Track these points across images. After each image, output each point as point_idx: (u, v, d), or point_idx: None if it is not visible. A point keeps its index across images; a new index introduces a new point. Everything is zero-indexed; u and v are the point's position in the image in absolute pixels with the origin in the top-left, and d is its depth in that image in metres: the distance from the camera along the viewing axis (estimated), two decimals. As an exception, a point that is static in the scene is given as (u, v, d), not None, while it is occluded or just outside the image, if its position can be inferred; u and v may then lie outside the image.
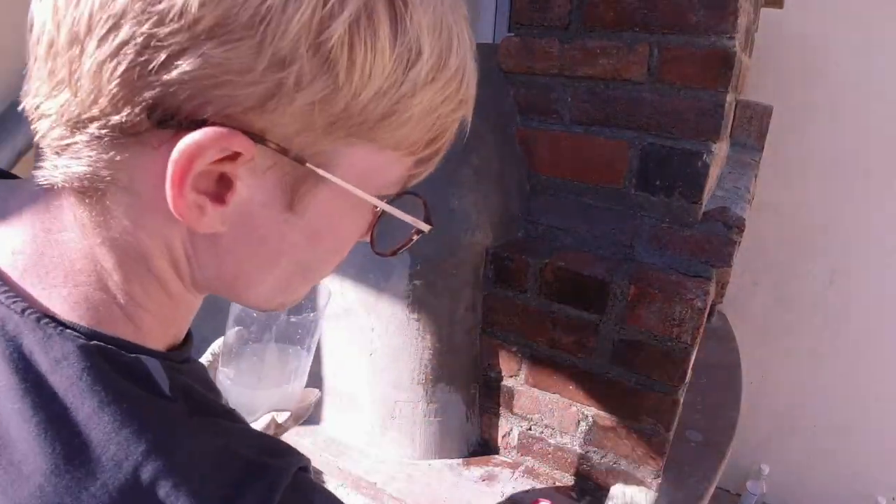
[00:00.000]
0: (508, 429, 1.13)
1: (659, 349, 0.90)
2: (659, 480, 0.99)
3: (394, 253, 0.45)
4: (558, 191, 1.06)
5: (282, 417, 0.68)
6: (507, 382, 1.10)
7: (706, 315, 0.89)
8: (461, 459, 1.15)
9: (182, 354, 0.38)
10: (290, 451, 0.34)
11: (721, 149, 1.02)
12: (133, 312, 0.32)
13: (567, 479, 1.08)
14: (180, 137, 0.27)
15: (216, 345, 0.70)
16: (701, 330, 0.88)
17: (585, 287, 0.94)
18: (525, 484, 1.08)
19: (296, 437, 1.21)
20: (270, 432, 0.68)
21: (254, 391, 0.68)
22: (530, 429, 1.10)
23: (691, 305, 0.85)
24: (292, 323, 0.66)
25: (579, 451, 1.05)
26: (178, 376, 0.32)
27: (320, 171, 0.31)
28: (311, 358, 0.71)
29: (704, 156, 0.90)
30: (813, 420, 2.09)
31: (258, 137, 0.28)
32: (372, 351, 1.07)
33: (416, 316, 1.02)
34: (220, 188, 0.30)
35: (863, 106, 1.75)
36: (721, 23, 0.84)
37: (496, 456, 1.16)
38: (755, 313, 2.07)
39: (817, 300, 1.97)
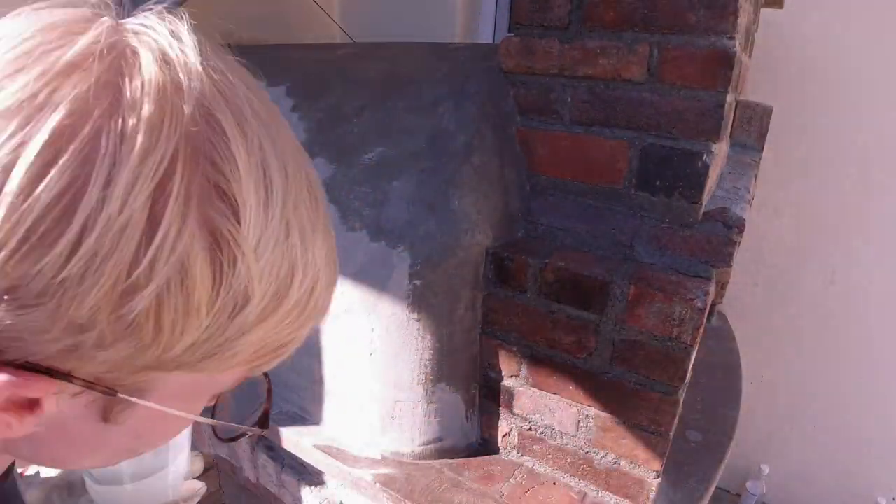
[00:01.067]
0: (508, 429, 1.13)
1: (659, 349, 0.90)
2: (659, 481, 0.99)
3: (232, 440, 0.43)
4: (558, 191, 1.06)
5: None
6: (507, 382, 1.10)
7: (706, 315, 0.89)
8: (461, 460, 1.15)
9: None
10: None
11: (721, 149, 1.02)
12: None
13: (567, 480, 1.08)
14: None
15: None
16: (701, 330, 0.88)
17: (585, 287, 0.94)
18: (525, 484, 1.08)
19: (296, 438, 1.21)
20: None
21: (120, 487, 0.59)
22: (530, 429, 1.10)
23: (691, 305, 0.85)
24: None
25: (579, 451, 1.05)
26: None
27: (133, 399, 0.29)
28: (188, 446, 0.64)
29: (704, 156, 0.90)
30: (813, 420, 2.09)
31: (62, 375, 0.26)
32: (372, 351, 1.07)
33: (416, 316, 1.02)
34: (30, 404, 0.28)
35: (863, 106, 1.75)
36: (721, 23, 0.84)
37: (496, 456, 1.16)
38: (755, 313, 2.07)
39: (817, 300, 1.97)
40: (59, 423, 0.29)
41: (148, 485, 0.60)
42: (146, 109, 0.25)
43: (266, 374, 0.40)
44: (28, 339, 0.25)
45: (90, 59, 0.25)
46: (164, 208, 0.24)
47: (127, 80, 0.25)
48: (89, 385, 0.27)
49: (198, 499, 0.65)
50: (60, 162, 0.23)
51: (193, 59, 0.27)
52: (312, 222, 0.32)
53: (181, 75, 0.26)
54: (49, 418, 0.28)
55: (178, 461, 0.62)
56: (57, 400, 0.28)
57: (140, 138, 0.24)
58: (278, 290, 0.30)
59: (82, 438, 0.31)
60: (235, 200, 0.26)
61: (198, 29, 0.30)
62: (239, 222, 0.27)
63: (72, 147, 0.23)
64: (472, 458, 1.15)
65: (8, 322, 0.24)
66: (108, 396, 0.28)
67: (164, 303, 0.25)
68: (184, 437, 0.64)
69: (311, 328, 0.35)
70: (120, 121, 0.24)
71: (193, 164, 0.25)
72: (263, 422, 0.41)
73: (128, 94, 0.25)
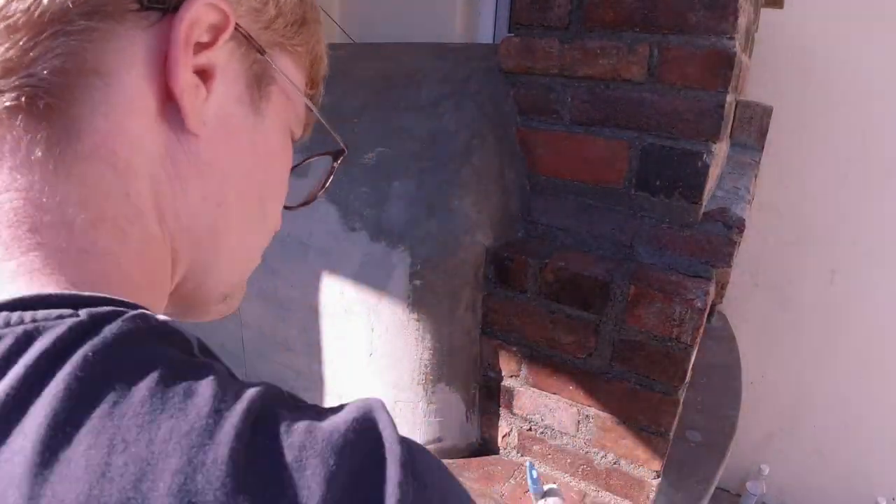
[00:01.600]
0: (508, 429, 1.13)
1: (659, 349, 0.90)
2: (659, 481, 0.99)
3: (322, 188, 0.49)
4: (558, 191, 1.06)
5: None
6: (507, 382, 1.10)
7: (706, 315, 0.89)
8: (461, 460, 1.15)
9: None
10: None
11: (721, 149, 1.02)
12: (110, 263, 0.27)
13: (567, 480, 1.08)
14: (167, 19, 0.28)
15: None
16: (701, 330, 0.88)
17: (585, 287, 0.94)
18: (525, 484, 1.08)
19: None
20: None
21: None
22: (530, 429, 1.10)
23: (691, 305, 0.85)
24: None
25: (579, 451, 1.05)
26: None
27: (273, 64, 0.35)
28: None
29: (704, 156, 0.90)
30: (813, 420, 2.09)
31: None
32: (372, 351, 1.07)
33: (416, 316, 1.02)
34: (208, 67, 0.31)
35: (863, 106, 1.75)
36: (721, 23, 0.84)
37: (496, 456, 1.16)
38: (755, 313, 2.07)
39: (817, 300, 1.97)
40: (222, 118, 0.32)
41: None
42: None
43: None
44: None
45: None
46: None
47: None
48: (247, 36, 0.33)
49: None
50: None
51: None
52: None
53: None
54: (216, 106, 0.32)
55: None
56: (224, 64, 0.32)
57: None
58: (309, 11, 0.38)
59: (239, 147, 0.35)
60: None
61: None
62: None
63: None
64: (472, 458, 1.15)
65: None
66: (258, 57, 0.34)
67: None
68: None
69: (324, 57, 0.45)
70: None
71: None
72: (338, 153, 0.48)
73: None
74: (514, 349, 1.06)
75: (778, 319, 2.05)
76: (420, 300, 1.01)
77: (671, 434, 0.95)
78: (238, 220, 0.36)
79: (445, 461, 1.13)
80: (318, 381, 1.20)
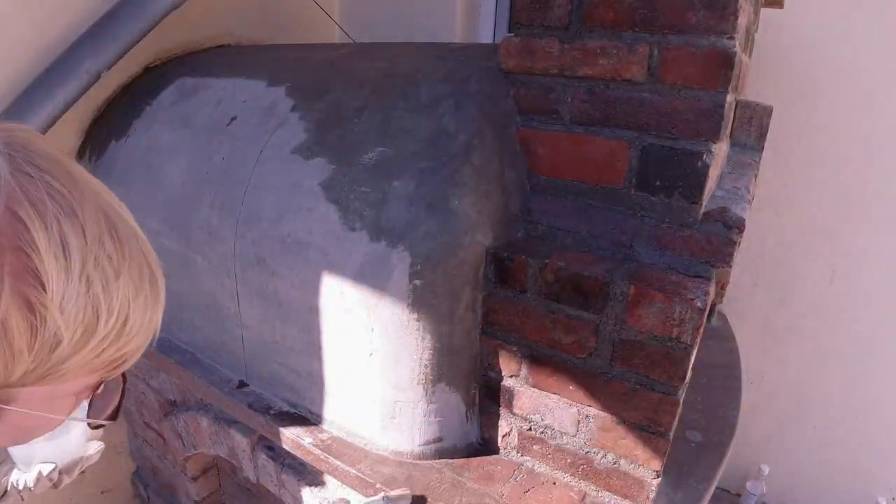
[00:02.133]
0: (508, 429, 1.13)
1: (659, 349, 0.90)
2: (659, 481, 0.99)
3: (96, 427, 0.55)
4: (558, 191, 1.07)
5: (47, 469, 0.76)
6: (507, 382, 1.10)
7: (706, 315, 0.89)
8: (461, 460, 1.15)
9: None
10: None
11: (721, 149, 1.02)
12: None
13: (567, 480, 1.08)
14: None
15: None
16: (701, 330, 0.88)
17: (585, 287, 0.94)
18: (525, 484, 1.08)
19: (296, 438, 1.21)
20: (42, 485, 0.76)
21: (31, 446, 0.75)
22: (530, 429, 1.10)
23: (691, 305, 0.85)
24: None
25: (579, 451, 1.05)
26: None
27: (2, 406, 0.40)
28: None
29: (704, 156, 0.90)
30: (813, 420, 2.09)
31: None
32: (372, 351, 1.07)
33: (415, 316, 1.02)
34: None
35: (863, 105, 1.75)
36: (721, 23, 0.84)
37: (496, 456, 1.16)
38: (755, 313, 2.07)
39: (817, 300, 1.97)
40: None
41: (56, 444, 0.77)
42: None
43: (123, 375, 0.50)
44: None
45: None
46: None
47: None
48: None
49: (97, 456, 0.83)
50: None
51: (2, 170, 0.37)
52: (116, 270, 0.41)
53: None
54: None
55: (79, 428, 0.80)
56: None
57: None
58: (86, 330, 0.39)
59: None
60: (39, 273, 0.36)
61: (18, 141, 0.40)
62: (45, 289, 0.36)
63: None
64: (472, 458, 1.15)
65: None
66: None
67: None
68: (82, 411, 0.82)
69: (142, 344, 0.46)
70: None
71: (3, 255, 0.35)
72: (114, 414, 0.52)
73: None
74: (514, 349, 1.06)
75: (778, 319, 2.05)
76: (420, 300, 1.01)
77: (671, 434, 0.95)
78: None
79: (446, 461, 1.14)
80: (318, 381, 1.20)
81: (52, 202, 0.38)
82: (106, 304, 0.40)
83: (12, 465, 0.78)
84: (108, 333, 0.41)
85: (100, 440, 0.84)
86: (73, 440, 0.78)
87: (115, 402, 0.52)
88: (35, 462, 0.76)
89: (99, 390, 0.48)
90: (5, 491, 0.78)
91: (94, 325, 0.39)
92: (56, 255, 0.37)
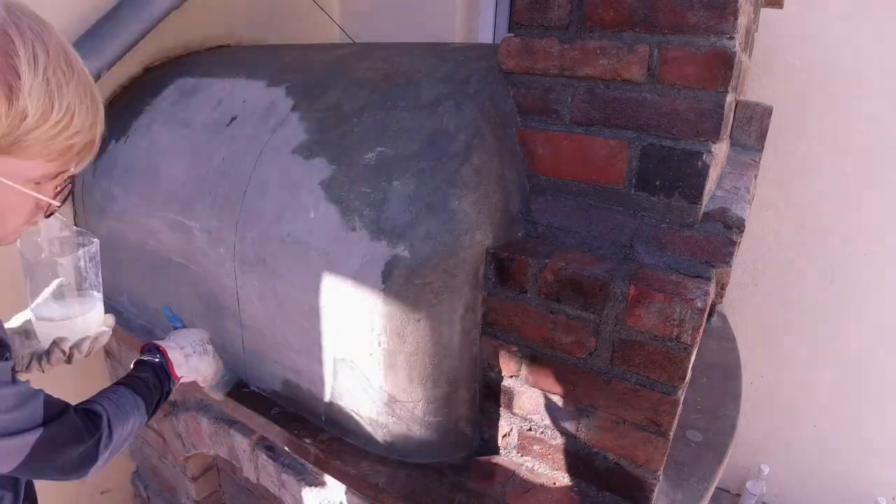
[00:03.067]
0: (508, 429, 1.13)
1: (659, 349, 0.90)
2: (659, 481, 0.99)
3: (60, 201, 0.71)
4: (558, 191, 1.07)
5: (60, 341, 0.90)
6: (508, 382, 1.10)
7: (706, 315, 0.89)
8: (461, 460, 1.15)
9: None
10: None
11: (721, 149, 1.02)
12: None
13: (567, 480, 1.08)
14: None
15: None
16: (701, 330, 0.88)
17: (585, 287, 0.94)
18: (525, 484, 1.08)
19: (296, 438, 1.21)
20: (57, 357, 0.90)
21: (53, 323, 0.91)
22: (530, 429, 1.10)
23: (691, 305, 0.85)
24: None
25: (579, 451, 1.05)
26: None
27: None
28: (101, 301, 0.95)
29: (704, 156, 0.90)
30: (813, 420, 2.09)
31: None
32: (372, 351, 1.07)
33: (416, 316, 1.02)
34: None
35: (862, 106, 1.75)
36: (721, 23, 0.84)
37: (496, 456, 1.16)
38: (755, 313, 2.07)
39: (817, 300, 1.97)
40: None
41: (73, 322, 0.92)
42: None
43: (72, 178, 0.70)
44: None
45: None
46: None
47: None
48: None
49: (105, 339, 0.96)
50: None
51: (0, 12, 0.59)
52: (67, 81, 0.61)
53: None
54: None
55: (96, 309, 0.95)
56: None
57: None
58: (44, 112, 0.59)
59: None
60: (18, 70, 0.57)
61: None
62: (20, 79, 0.57)
63: None
64: (472, 458, 1.15)
65: None
66: None
67: None
68: (98, 297, 0.96)
69: (86, 146, 0.66)
70: None
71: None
72: (64, 200, 0.70)
73: None
74: (514, 349, 1.06)
75: (778, 319, 2.05)
76: (420, 300, 1.01)
77: (671, 434, 0.95)
78: None
79: (446, 461, 1.13)
80: (318, 381, 1.20)
81: (31, 31, 0.59)
82: (58, 100, 0.60)
83: (35, 342, 0.91)
84: (60, 121, 0.61)
85: (108, 324, 0.97)
86: (81, 323, 0.92)
87: (67, 191, 0.71)
88: (55, 335, 0.90)
89: (56, 181, 0.67)
90: (30, 363, 0.91)
91: (49, 110, 0.60)
92: (29, 61, 0.58)
